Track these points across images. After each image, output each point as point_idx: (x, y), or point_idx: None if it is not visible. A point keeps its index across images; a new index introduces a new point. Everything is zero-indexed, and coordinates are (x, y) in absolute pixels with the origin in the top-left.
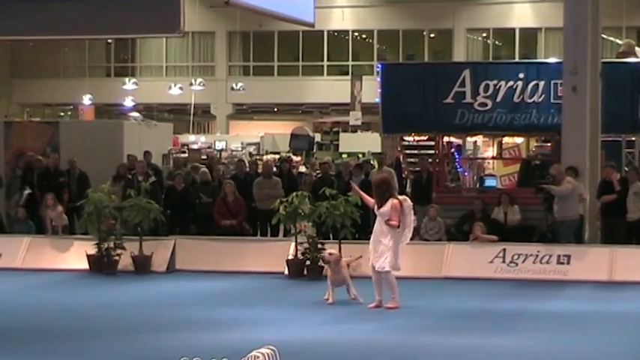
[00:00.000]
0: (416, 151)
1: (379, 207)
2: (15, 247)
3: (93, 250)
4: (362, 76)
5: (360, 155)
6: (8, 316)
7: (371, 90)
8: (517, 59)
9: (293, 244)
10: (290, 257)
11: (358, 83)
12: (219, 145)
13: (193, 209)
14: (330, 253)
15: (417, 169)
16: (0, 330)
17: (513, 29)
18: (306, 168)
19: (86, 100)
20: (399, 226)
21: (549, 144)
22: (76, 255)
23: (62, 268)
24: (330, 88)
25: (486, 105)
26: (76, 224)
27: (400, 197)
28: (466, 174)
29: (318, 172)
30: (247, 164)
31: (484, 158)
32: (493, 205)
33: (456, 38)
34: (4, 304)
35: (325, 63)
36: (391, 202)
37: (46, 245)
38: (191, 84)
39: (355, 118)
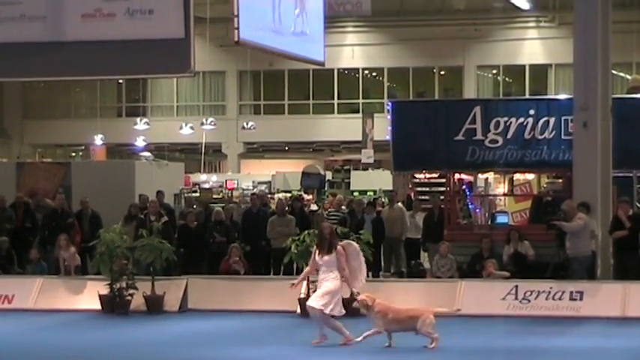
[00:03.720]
0: (427, 189)
1: (323, 255)
2: (28, 288)
3: (105, 290)
4: (373, 113)
5: (371, 193)
6: (20, 357)
7: (382, 127)
8: (527, 96)
9: (305, 283)
10: (302, 296)
11: (370, 121)
12: (231, 184)
13: (207, 248)
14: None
15: (429, 206)
16: None
17: (523, 66)
18: (318, 206)
19: (98, 140)
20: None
21: (560, 180)
22: (89, 295)
23: (75, 308)
24: (341, 126)
25: (497, 142)
26: (88, 264)
27: (343, 242)
28: (478, 211)
29: (330, 209)
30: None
31: (495, 195)
32: (503, 243)
33: (466, 75)
34: (16, 345)
35: (336, 101)
36: (335, 251)
37: (58, 286)
38: (202, 123)
39: (367, 155)
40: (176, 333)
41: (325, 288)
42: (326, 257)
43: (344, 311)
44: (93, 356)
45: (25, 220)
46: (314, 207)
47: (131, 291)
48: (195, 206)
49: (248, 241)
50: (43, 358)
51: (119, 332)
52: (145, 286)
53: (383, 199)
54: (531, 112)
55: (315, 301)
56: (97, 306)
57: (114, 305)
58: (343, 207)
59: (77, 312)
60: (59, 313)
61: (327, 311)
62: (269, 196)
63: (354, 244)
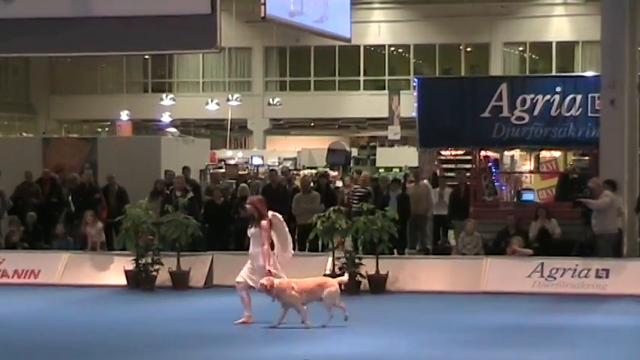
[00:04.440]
0: (453, 166)
1: (251, 227)
2: (54, 263)
3: (131, 266)
4: (399, 90)
5: (397, 170)
6: (45, 332)
7: (408, 104)
8: (554, 73)
9: (330, 259)
10: (327, 272)
11: (396, 98)
12: (256, 161)
13: (233, 224)
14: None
15: (454, 183)
16: (36, 346)
17: (550, 43)
18: (343, 183)
19: (124, 116)
20: (273, 248)
21: (587, 158)
22: (114, 271)
23: (100, 283)
24: (367, 103)
25: (523, 119)
26: (114, 240)
27: (270, 213)
28: (503, 188)
29: (356, 186)
30: (281, 174)
31: (521, 172)
32: (530, 220)
33: (492, 52)
34: (42, 320)
35: (362, 78)
36: (261, 224)
37: (84, 261)
38: (228, 99)
39: (394, 132)
40: (201, 309)
41: (257, 264)
42: (252, 229)
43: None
44: (118, 331)
45: (52, 195)
46: (339, 184)
47: (157, 267)
48: (221, 182)
49: None
50: (69, 332)
51: (144, 308)
52: (170, 262)
53: (411, 177)
54: (558, 89)
55: (248, 278)
56: (123, 281)
57: (139, 281)
58: (368, 187)
59: (103, 287)
60: (85, 288)
61: (251, 283)
62: (294, 172)
63: (279, 216)
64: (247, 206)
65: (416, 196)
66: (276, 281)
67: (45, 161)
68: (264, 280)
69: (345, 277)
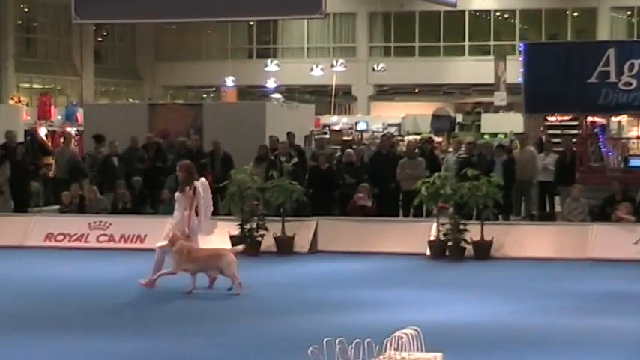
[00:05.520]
0: (559, 132)
1: (179, 192)
2: (160, 228)
3: (236, 231)
4: (505, 56)
5: (502, 136)
6: (150, 296)
7: (513, 70)
8: None
9: (435, 225)
10: (432, 238)
11: (502, 63)
12: (361, 126)
13: (337, 189)
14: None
15: (560, 149)
16: (144, 310)
17: None
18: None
19: (229, 81)
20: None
21: None
22: (220, 235)
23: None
24: (472, 69)
25: (631, 84)
26: (219, 205)
27: (198, 181)
28: (610, 154)
29: (460, 153)
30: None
31: (629, 138)
32: (637, 186)
33: (600, 17)
34: None
35: (467, 43)
36: (184, 192)
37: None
38: (332, 65)
39: (500, 98)
40: (306, 274)
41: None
42: (177, 194)
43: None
44: (223, 296)
45: (157, 160)
46: (450, 149)
47: (261, 232)
48: (326, 148)
49: (377, 183)
50: (174, 297)
51: (249, 273)
52: (275, 227)
53: (516, 143)
54: None
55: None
56: (228, 246)
57: (245, 245)
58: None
59: None
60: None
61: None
62: (399, 138)
63: (205, 182)
64: (177, 171)
65: (521, 162)
66: (180, 242)
67: (150, 127)
68: (168, 237)
69: (241, 247)
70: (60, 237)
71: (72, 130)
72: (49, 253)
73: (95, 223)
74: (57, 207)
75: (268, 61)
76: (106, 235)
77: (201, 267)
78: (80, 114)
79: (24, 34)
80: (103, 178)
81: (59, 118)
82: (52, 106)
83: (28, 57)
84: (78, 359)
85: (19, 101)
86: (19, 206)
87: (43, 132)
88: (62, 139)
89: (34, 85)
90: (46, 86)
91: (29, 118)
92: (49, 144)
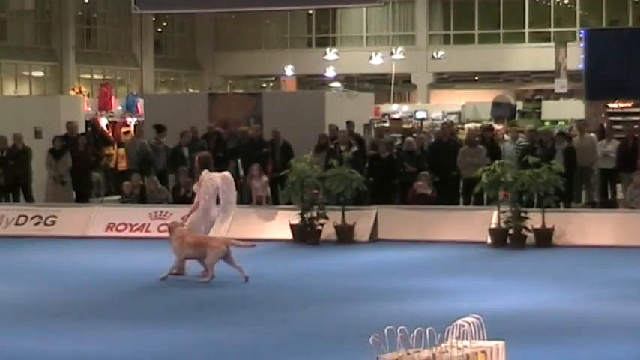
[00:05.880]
0: (620, 118)
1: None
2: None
3: (296, 220)
4: (566, 42)
5: (563, 123)
6: (212, 285)
7: (574, 56)
8: None
9: (495, 213)
10: (492, 226)
11: (563, 50)
12: (420, 115)
13: (398, 178)
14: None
15: (622, 136)
16: (204, 299)
17: None
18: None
19: (288, 71)
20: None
21: None
22: (280, 225)
23: (266, 237)
24: (532, 56)
25: None
26: (279, 194)
27: (205, 173)
28: None
29: (521, 140)
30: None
31: None
32: None
33: None
34: None
35: (526, 30)
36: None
37: (250, 215)
38: (391, 53)
39: (561, 85)
40: (366, 263)
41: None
42: (195, 186)
43: None
44: (285, 285)
45: (218, 150)
46: (506, 137)
47: (322, 221)
48: (385, 136)
49: (437, 171)
50: (235, 286)
51: (310, 262)
52: (335, 216)
53: (574, 130)
54: None
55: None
56: (288, 235)
57: (305, 235)
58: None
59: (268, 241)
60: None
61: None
62: (458, 126)
63: (227, 175)
64: (195, 163)
65: (581, 149)
66: (178, 229)
67: (210, 117)
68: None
69: (248, 244)
70: (121, 227)
71: (132, 121)
72: (110, 244)
73: (156, 212)
74: (117, 197)
75: (327, 49)
76: (167, 224)
77: (196, 254)
78: (140, 104)
79: (84, 25)
80: (172, 168)
81: (119, 108)
82: (113, 97)
83: (88, 48)
84: (140, 348)
85: (80, 92)
86: (81, 197)
87: (103, 122)
88: (132, 130)
89: (95, 76)
90: (107, 77)
91: (90, 108)
92: (110, 134)
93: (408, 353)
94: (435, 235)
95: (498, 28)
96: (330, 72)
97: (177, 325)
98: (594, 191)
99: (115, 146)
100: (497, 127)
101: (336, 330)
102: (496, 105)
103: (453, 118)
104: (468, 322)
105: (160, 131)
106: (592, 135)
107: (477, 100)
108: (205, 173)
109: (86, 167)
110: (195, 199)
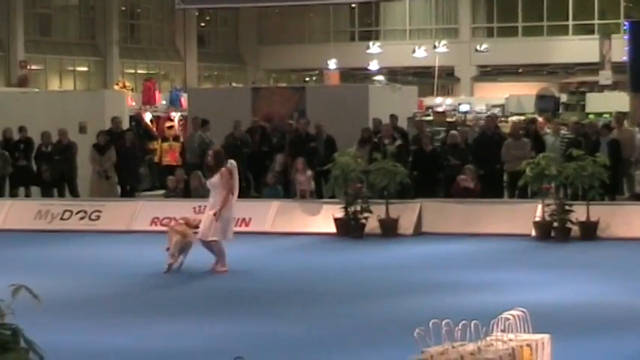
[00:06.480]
0: None
1: (210, 178)
2: (264, 212)
3: (340, 214)
4: (610, 34)
5: (607, 115)
6: (258, 279)
7: (619, 48)
8: None
9: (540, 206)
10: (537, 219)
11: (607, 42)
12: (464, 108)
13: (441, 171)
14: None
15: None
16: (250, 293)
17: None
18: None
19: (331, 64)
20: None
21: None
22: (324, 218)
23: (310, 231)
24: (576, 48)
25: None
26: (323, 188)
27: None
28: None
29: (565, 133)
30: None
31: None
32: None
33: None
34: (254, 267)
35: (570, 22)
36: (220, 172)
37: (294, 209)
38: (435, 46)
39: (605, 77)
40: (411, 256)
41: (204, 218)
42: (212, 179)
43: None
44: (329, 279)
45: (262, 144)
46: (547, 130)
47: (366, 214)
48: (428, 129)
49: (481, 164)
50: (280, 279)
51: (354, 255)
52: (379, 210)
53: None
54: None
55: (199, 233)
56: (332, 229)
57: (349, 228)
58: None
59: (312, 235)
60: (295, 236)
61: (209, 238)
62: (502, 119)
63: (234, 163)
64: (208, 157)
65: (620, 141)
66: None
67: (254, 111)
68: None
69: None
70: (165, 221)
71: (176, 115)
72: (155, 238)
73: (200, 207)
74: (162, 192)
75: (370, 43)
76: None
77: (182, 244)
78: (184, 99)
79: (128, 20)
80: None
81: (163, 103)
82: (156, 92)
83: (132, 43)
84: (185, 342)
85: (124, 87)
86: (127, 191)
87: (147, 117)
88: (176, 125)
89: (139, 71)
90: (150, 72)
91: (134, 103)
92: (154, 129)
93: (453, 347)
94: (479, 228)
95: (542, 20)
96: (374, 65)
97: (224, 318)
98: (635, 183)
99: (159, 141)
100: (541, 119)
101: (380, 323)
102: (540, 98)
103: (496, 111)
104: (513, 316)
105: (204, 125)
106: (636, 128)
107: (521, 93)
108: (231, 164)
109: (134, 162)
110: (222, 193)
